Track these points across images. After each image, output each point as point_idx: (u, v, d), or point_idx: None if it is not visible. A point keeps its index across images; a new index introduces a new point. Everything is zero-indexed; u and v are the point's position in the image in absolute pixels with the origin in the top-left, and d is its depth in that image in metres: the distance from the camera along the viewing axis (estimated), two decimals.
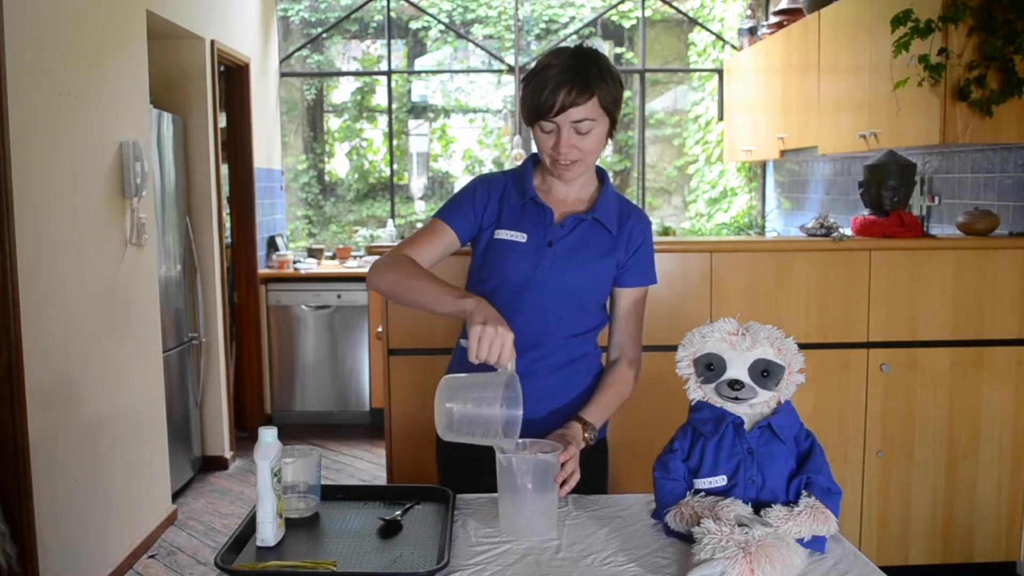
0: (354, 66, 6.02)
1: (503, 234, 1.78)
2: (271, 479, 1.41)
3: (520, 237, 1.77)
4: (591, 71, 1.67)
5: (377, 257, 1.83)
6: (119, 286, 3.29)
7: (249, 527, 1.46)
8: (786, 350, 1.47)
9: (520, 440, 1.52)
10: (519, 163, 6.19)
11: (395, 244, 3.01)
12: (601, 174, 1.86)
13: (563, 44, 5.90)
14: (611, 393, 1.79)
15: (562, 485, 1.54)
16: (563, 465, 1.55)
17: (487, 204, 1.82)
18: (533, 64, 1.76)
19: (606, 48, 6.02)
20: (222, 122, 4.80)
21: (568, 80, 1.65)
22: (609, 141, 1.80)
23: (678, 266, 2.91)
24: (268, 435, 1.44)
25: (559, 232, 1.77)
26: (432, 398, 1.46)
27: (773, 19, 4.65)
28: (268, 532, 1.42)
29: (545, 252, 1.76)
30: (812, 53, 4.02)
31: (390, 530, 1.50)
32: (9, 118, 2.53)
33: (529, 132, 6.81)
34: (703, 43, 5.85)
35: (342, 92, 6.08)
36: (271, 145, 5.53)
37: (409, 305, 1.70)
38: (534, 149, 1.84)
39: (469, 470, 1.74)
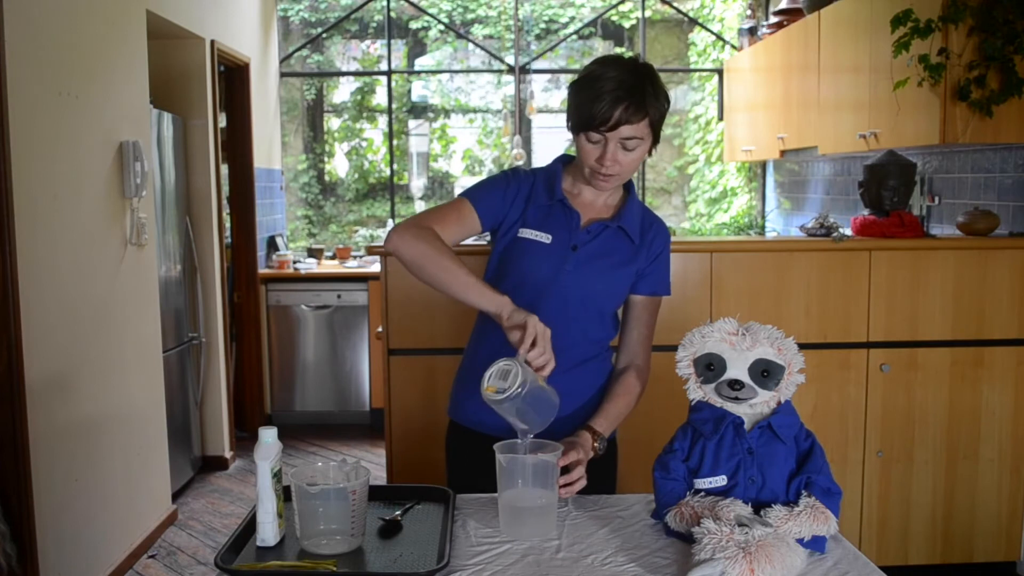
0: (354, 66, 6.02)
1: (527, 233, 1.76)
2: (271, 479, 1.41)
3: (545, 238, 1.75)
4: (647, 90, 1.63)
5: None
6: (119, 286, 3.29)
7: (249, 527, 1.46)
8: (786, 350, 1.48)
9: (522, 441, 1.52)
10: (520, 163, 6.13)
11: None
12: (626, 183, 1.83)
13: (559, 45, 5.90)
14: (620, 403, 1.77)
15: (564, 487, 1.54)
16: (567, 470, 1.55)
17: (515, 199, 1.79)
18: (585, 70, 1.70)
19: (602, 48, 6.02)
20: (222, 122, 4.80)
21: (624, 97, 1.61)
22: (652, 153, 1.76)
23: (678, 266, 2.90)
24: (268, 435, 1.44)
25: (584, 236, 1.75)
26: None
27: (773, 19, 4.64)
28: (268, 532, 1.42)
29: (569, 255, 1.74)
30: (812, 53, 4.02)
31: (390, 530, 1.50)
32: (9, 118, 2.53)
33: (529, 132, 6.72)
34: (703, 43, 5.85)
35: (342, 92, 6.08)
36: (271, 145, 5.53)
37: (431, 283, 1.64)
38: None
39: (479, 469, 1.73)
